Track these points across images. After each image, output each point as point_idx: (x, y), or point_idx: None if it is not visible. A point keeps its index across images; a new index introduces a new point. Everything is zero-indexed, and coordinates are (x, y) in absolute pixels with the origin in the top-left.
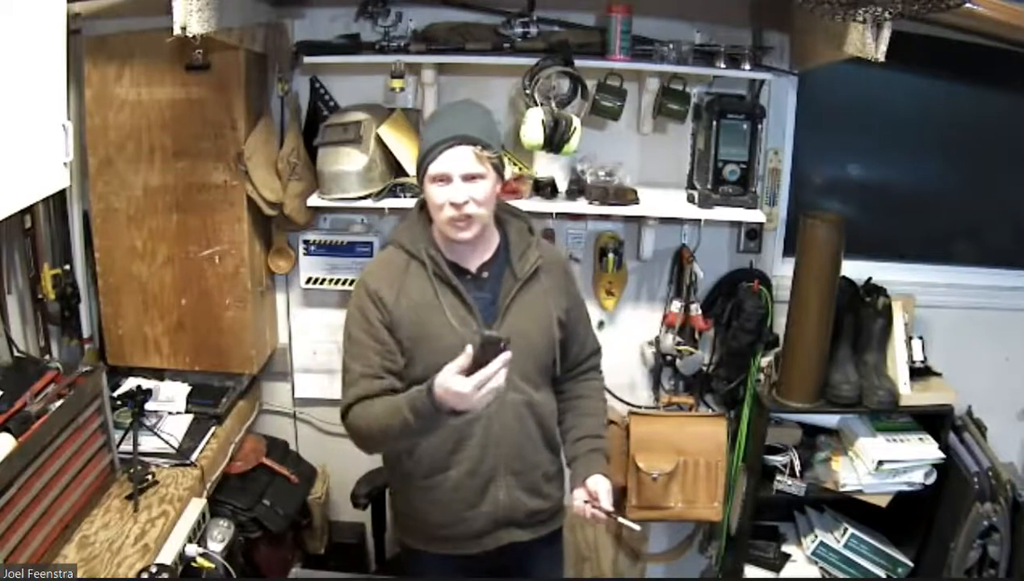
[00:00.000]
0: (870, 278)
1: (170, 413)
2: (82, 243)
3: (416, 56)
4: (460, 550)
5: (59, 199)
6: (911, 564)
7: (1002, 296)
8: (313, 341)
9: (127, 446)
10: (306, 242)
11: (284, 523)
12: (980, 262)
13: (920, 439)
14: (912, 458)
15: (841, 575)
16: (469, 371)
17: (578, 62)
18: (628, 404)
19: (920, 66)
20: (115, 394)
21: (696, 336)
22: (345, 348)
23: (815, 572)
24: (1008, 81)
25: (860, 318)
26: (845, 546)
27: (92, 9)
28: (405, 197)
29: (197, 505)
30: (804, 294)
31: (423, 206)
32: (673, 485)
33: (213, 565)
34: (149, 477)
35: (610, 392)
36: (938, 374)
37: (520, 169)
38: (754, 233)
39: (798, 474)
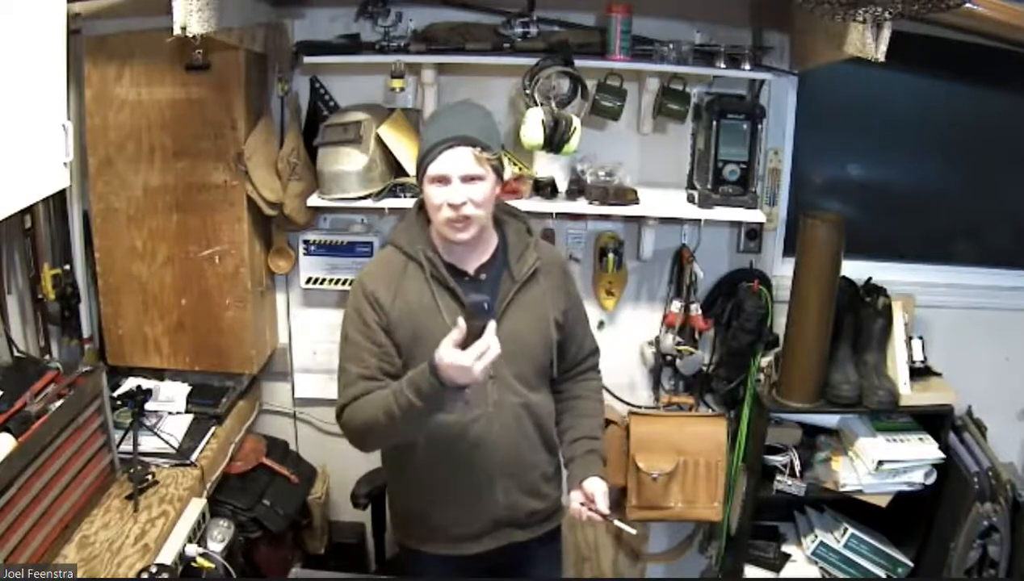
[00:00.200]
0: (870, 278)
1: (170, 413)
2: (82, 243)
3: (416, 56)
4: (459, 551)
5: (59, 199)
6: (911, 564)
7: (1002, 296)
8: (313, 341)
9: (127, 446)
10: (306, 242)
11: (284, 523)
12: (980, 262)
13: (920, 439)
14: (912, 458)
15: (841, 575)
16: (464, 343)
17: (578, 62)
18: (628, 404)
19: (920, 66)
20: (115, 394)
21: (696, 336)
22: (342, 349)
23: (815, 572)
24: (1008, 81)
25: (860, 318)
26: (845, 546)
27: (92, 9)
28: (405, 197)
29: (197, 505)
30: (804, 294)
31: (421, 207)
32: (673, 485)
33: (213, 565)
34: (149, 477)
35: (610, 392)
36: (938, 374)
37: (520, 169)
38: (754, 233)
39: (798, 474)
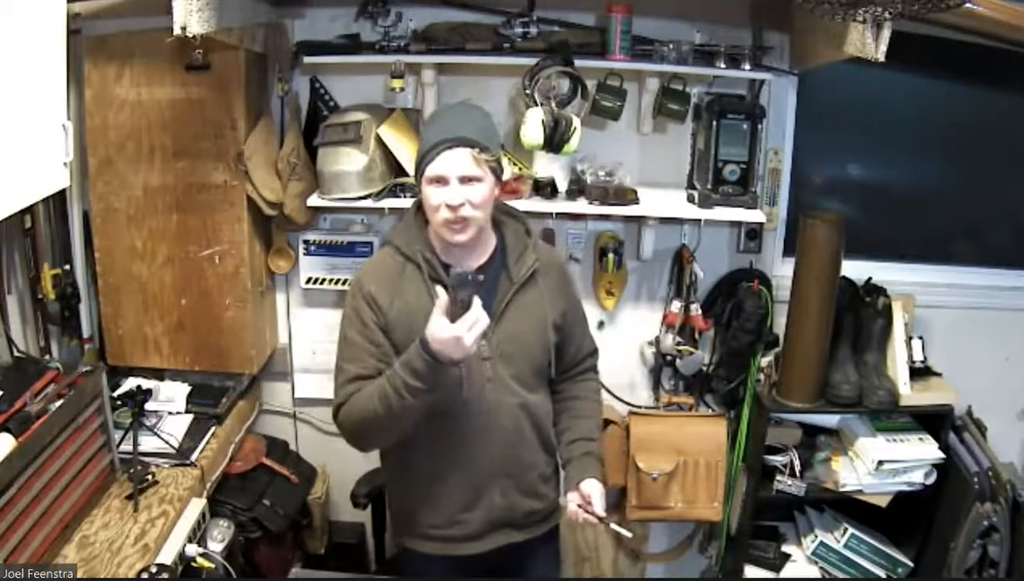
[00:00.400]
0: (870, 278)
1: (170, 413)
2: (82, 243)
3: (416, 56)
4: (458, 551)
5: (59, 199)
6: (911, 564)
7: (1002, 296)
8: (313, 341)
9: (127, 446)
10: (306, 242)
11: (284, 523)
12: (980, 262)
13: (920, 439)
14: (912, 458)
15: (841, 575)
16: (452, 316)
17: (578, 62)
18: (628, 404)
19: (920, 66)
20: (115, 394)
21: (696, 336)
22: (339, 349)
23: (815, 572)
24: (1008, 81)
25: (860, 318)
26: (845, 546)
27: (92, 9)
28: (405, 197)
29: (197, 505)
30: (804, 294)
31: (420, 207)
32: (673, 485)
33: (213, 565)
34: (149, 477)
35: (610, 392)
36: (938, 374)
37: (520, 169)
38: (754, 233)
39: (798, 474)
